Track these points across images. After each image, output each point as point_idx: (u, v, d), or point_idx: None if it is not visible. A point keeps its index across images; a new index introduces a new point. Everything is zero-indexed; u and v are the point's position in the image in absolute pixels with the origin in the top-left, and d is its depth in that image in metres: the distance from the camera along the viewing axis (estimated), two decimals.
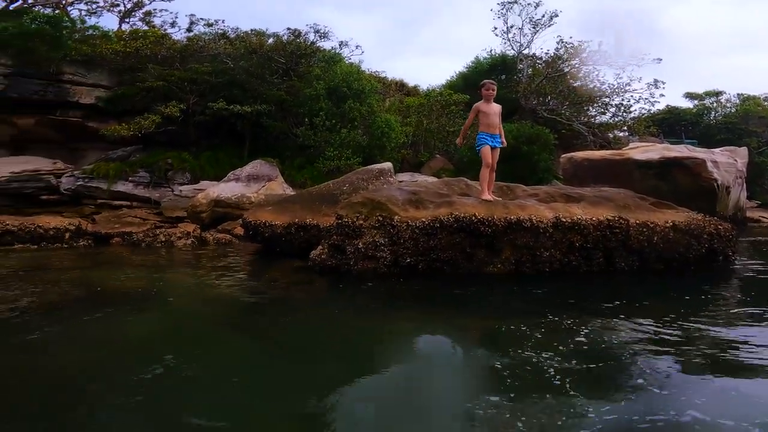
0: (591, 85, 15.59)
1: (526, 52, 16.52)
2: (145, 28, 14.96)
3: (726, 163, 9.79)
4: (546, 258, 4.37)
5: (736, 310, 3.35)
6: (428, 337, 2.90)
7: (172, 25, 15.61)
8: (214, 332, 3.14)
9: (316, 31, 13.80)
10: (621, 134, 17.19)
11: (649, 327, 2.83)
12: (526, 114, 15.36)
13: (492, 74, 15.35)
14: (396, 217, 4.46)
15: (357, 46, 14.85)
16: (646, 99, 15.71)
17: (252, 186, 10.09)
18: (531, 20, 15.96)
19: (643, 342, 2.58)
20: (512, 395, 1.95)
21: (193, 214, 9.72)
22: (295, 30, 13.69)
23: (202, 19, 14.57)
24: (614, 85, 15.64)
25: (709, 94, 23.46)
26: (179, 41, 13.85)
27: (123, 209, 10.55)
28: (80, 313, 3.49)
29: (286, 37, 13.65)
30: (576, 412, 1.79)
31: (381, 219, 4.46)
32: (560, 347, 2.48)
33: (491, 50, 17.71)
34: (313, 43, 13.77)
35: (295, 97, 12.64)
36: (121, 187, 10.89)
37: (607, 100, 15.90)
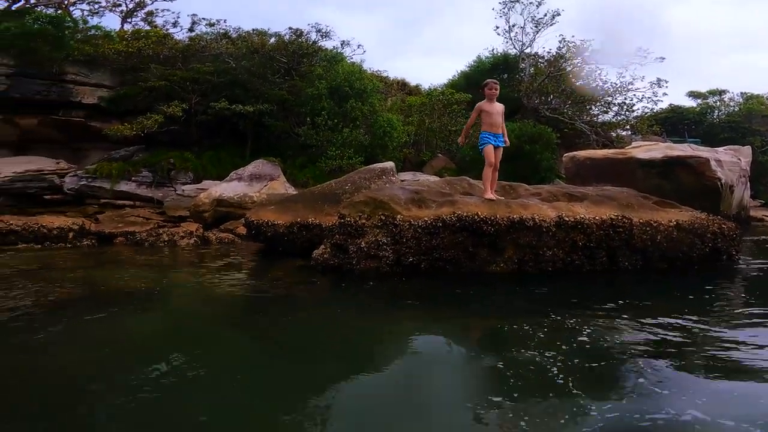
0: (594, 84, 15.54)
1: (528, 51, 16.48)
2: (147, 28, 15.00)
3: (729, 162, 9.74)
4: (549, 257, 4.36)
5: (739, 310, 3.33)
6: (431, 336, 2.90)
7: (174, 24, 15.65)
8: (215, 332, 3.14)
9: (318, 31, 13.81)
10: (624, 133, 17.14)
11: (651, 327, 2.81)
12: (529, 113, 15.33)
13: (494, 73, 15.32)
14: (398, 216, 4.46)
15: (359, 46, 14.88)
16: (649, 98, 15.66)
17: (254, 185, 10.10)
18: (533, 19, 15.93)
19: (646, 341, 2.57)
20: (515, 394, 1.95)
21: (196, 214, 9.74)
22: (297, 29, 13.70)
23: (203, 18, 14.61)
24: (617, 84, 15.60)
25: (712, 92, 23.37)
26: (181, 41, 13.88)
27: (126, 209, 10.58)
28: (83, 313, 3.49)
29: (287, 36, 13.67)
30: (578, 411, 1.79)
31: (383, 218, 4.46)
32: (563, 346, 2.47)
33: (493, 49, 17.69)
34: (314, 42, 13.78)
35: (297, 97, 12.65)
36: (124, 186, 10.92)
37: (609, 99, 15.85)
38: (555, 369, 2.17)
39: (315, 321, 3.37)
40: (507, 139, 5.10)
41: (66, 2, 14.78)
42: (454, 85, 16.84)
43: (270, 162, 10.88)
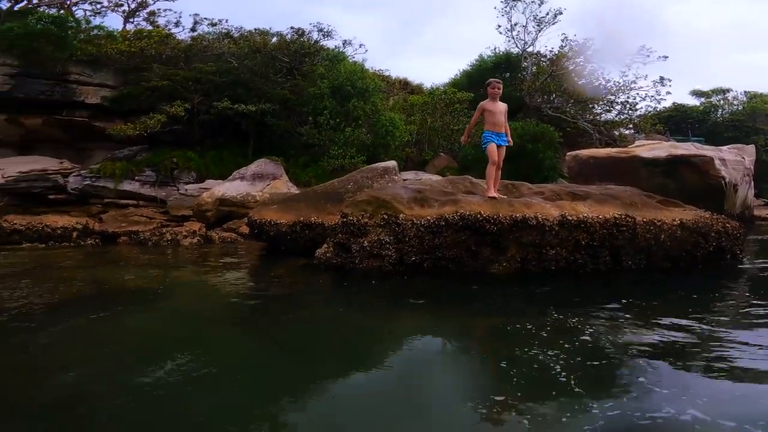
0: (596, 83, 15.50)
1: (530, 49, 16.45)
2: (150, 27, 15.04)
3: (733, 160, 9.70)
4: (552, 256, 4.35)
5: (742, 310, 3.31)
6: (433, 335, 2.89)
7: (176, 24, 15.70)
8: (217, 331, 3.15)
9: (320, 30, 13.82)
10: (627, 132, 17.09)
11: (653, 326, 2.81)
12: (531, 112, 15.30)
13: (496, 72, 15.29)
14: (401, 215, 4.46)
15: (360, 45, 14.89)
16: (652, 97, 15.61)
17: (257, 185, 10.12)
18: (535, 18, 15.89)
19: (648, 341, 2.56)
20: (519, 393, 1.95)
21: (199, 213, 9.77)
22: (299, 29, 13.72)
23: (205, 18, 14.66)
24: (620, 83, 15.55)
25: (716, 91, 23.28)
26: (183, 41, 13.93)
27: (129, 208, 10.63)
28: (85, 312, 3.50)
29: (289, 36, 13.69)
30: (580, 410, 1.80)
31: (386, 217, 4.46)
32: (565, 345, 2.47)
33: (495, 48, 17.66)
34: (316, 42, 13.79)
35: (299, 96, 12.66)
36: (128, 186, 10.96)
37: (612, 97, 15.80)
38: (557, 368, 2.17)
39: (317, 320, 3.37)
40: (510, 138, 5.09)
41: (68, 2, 14.83)
42: (456, 84, 16.83)
43: (272, 161, 10.90)
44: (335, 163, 11.16)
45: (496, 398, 1.92)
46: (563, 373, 2.10)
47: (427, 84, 18.52)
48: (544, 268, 4.36)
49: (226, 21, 14.29)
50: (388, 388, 2.12)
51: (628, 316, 3.03)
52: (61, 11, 13.84)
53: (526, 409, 1.81)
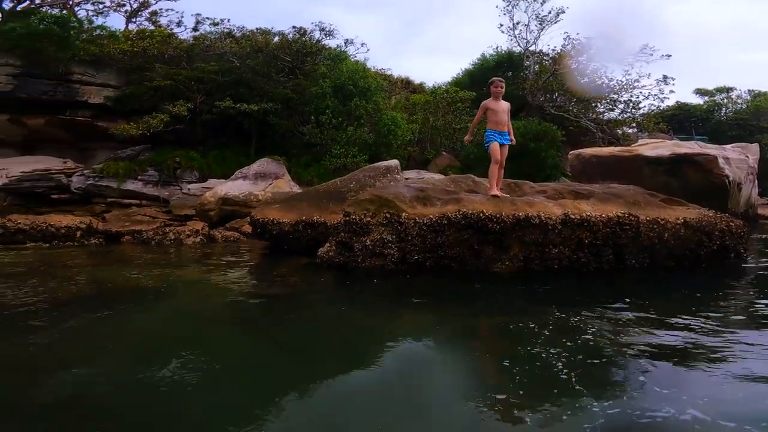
0: (599, 82, 15.44)
1: (532, 48, 16.42)
2: (152, 27, 15.08)
3: (737, 159, 9.66)
4: (555, 255, 4.34)
5: (745, 310, 3.29)
6: (436, 334, 2.89)
7: (178, 24, 15.74)
8: (219, 330, 3.15)
9: (322, 30, 13.82)
10: (630, 131, 17.04)
11: (656, 325, 2.80)
12: (534, 111, 15.27)
13: (498, 71, 15.27)
14: (403, 214, 4.46)
15: (362, 44, 14.88)
16: (655, 95, 15.55)
17: (259, 184, 10.14)
18: (537, 17, 15.86)
19: (650, 340, 2.56)
20: (520, 392, 1.96)
21: (202, 212, 9.80)
22: (301, 28, 13.73)
23: (207, 18, 14.68)
24: (623, 82, 15.49)
25: (719, 90, 23.20)
26: (186, 41, 13.96)
27: (133, 207, 10.66)
28: (87, 311, 3.51)
29: (291, 35, 13.70)
30: (580, 408, 1.80)
31: (388, 216, 4.46)
32: (567, 343, 2.47)
33: (497, 47, 17.65)
34: (318, 41, 13.80)
35: (301, 96, 12.67)
36: (131, 185, 11.00)
37: (615, 96, 15.75)
38: (559, 366, 2.17)
39: (319, 319, 3.37)
40: (513, 137, 5.08)
41: (71, 2, 14.88)
42: (459, 83, 16.82)
43: (275, 160, 10.91)
44: (337, 162, 11.17)
45: (498, 397, 1.92)
46: (565, 372, 2.10)
47: (429, 83, 18.53)
48: (546, 267, 4.36)
49: (228, 21, 14.32)
50: (390, 387, 2.12)
51: (630, 315, 3.02)
52: (64, 11, 13.89)
53: (527, 408, 1.81)
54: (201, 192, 10.50)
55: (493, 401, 1.88)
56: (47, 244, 8.18)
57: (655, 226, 4.46)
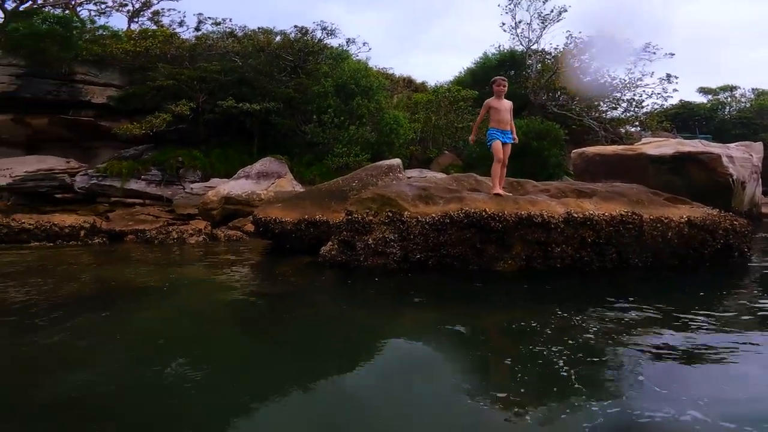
0: (602, 80, 15.38)
1: (534, 47, 16.38)
2: (154, 27, 15.11)
3: (741, 158, 9.61)
4: (557, 254, 4.33)
5: (749, 310, 3.27)
6: (437, 333, 2.89)
7: (181, 24, 15.78)
8: (221, 329, 3.15)
9: (323, 29, 13.83)
10: (633, 129, 16.96)
11: (659, 325, 2.79)
12: (536, 109, 15.23)
13: (500, 70, 15.24)
14: (406, 212, 4.45)
15: (364, 43, 14.91)
16: (658, 94, 15.49)
17: (262, 183, 10.15)
18: (539, 15, 15.82)
19: (652, 339, 2.55)
20: (521, 390, 1.96)
21: (204, 212, 9.82)
22: (303, 27, 13.74)
23: (209, 18, 14.70)
24: (626, 80, 15.43)
25: (723, 88, 23.10)
26: (188, 40, 13.99)
27: (136, 207, 10.70)
28: (89, 311, 3.52)
29: (293, 34, 13.70)
30: (580, 407, 1.80)
31: (391, 215, 4.45)
32: (569, 342, 2.46)
33: (500, 46, 17.65)
34: (320, 40, 13.80)
35: (303, 95, 12.68)
36: (134, 185, 11.03)
37: (618, 95, 15.70)
38: (559, 366, 2.16)
39: (321, 317, 3.37)
40: (515, 136, 5.08)
41: (73, 2, 14.93)
42: (461, 81, 16.79)
43: (277, 160, 10.93)
44: (339, 161, 11.17)
45: (498, 395, 1.91)
46: (565, 372, 2.10)
47: (431, 82, 18.53)
48: (549, 266, 4.35)
49: (230, 20, 14.35)
50: (391, 385, 2.12)
51: (633, 314, 3.01)
52: (66, 11, 13.93)
53: (527, 407, 1.81)
54: (204, 191, 10.52)
55: (494, 400, 1.88)
56: (51, 244, 8.22)
57: (658, 225, 4.44)
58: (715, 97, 23.07)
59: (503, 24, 16.64)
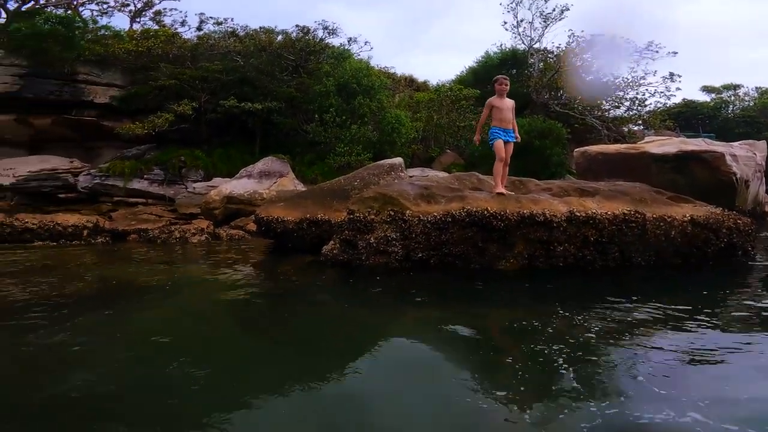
0: (604, 79, 15.32)
1: (536, 46, 16.33)
2: (156, 27, 15.14)
3: (745, 156, 9.55)
4: (560, 252, 4.32)
5: (753, 308, 3.25)
6: (438, 332, 2.88)
7: (182, 24, 15.79)
8: (222, 329, 3.16)
9: (325, 28, 13.83)
10: (636, 128, 16.89)
11: (661, 324, 2.78)
12: (538, 108, 15.20)
13: (502, 69, 15.20)
14: (407, 211, 4.45)
15: (366, 42, 14.87)
16: (661, 93, 15.41)
17: (264, 182, 10.16)
18: (541, 14, 15.78)
19: (654, 339, 2.53)
20: (521, 389, 1.96)
21: (207, 211, 9.84)
22: (304, 27, 13.74)
23: (211, 17, 14.72)
24: (628, 79, 15.37)
25: (726, 87, 23.00)
26: (190, 40, 14.01)
27: (139, 206, 10.73)
28: (91, 310, 3.53)
29: (294, 34, 13.70)
30: (578, 407, 1.79)
31: (392, 214, 4.45)
32: (570, 341, 2.46)
33: (501, 45, 17.59)
34: (321, 39, 13.80)
35: (304, 94, 12.68)
36: (137, 184, 11.06)
37: (621, 93, 15.64)
38: (561, 365, 2.16)
39: (323, 316, 3.37)
40: (517, 135, 5.06)
41: (75, 2, 14.97)
42: (462, 80, 16.76)
43: (279, 159, 10.94)
44: (341, 160, 11.17)
45: (498, 395, 1.91)
46: (566, 371, 2.10)
47: (433, 81, 18.48)
48: (551, 265, 4.33)
49: (232, 20, 14.37)
50: (392, 385, 2.12)
51: (635, 313, 3.00)
52: (68, 11, 13.96)
53: (527, 407, 1.81)
54: (206, 191, 10.54)
55: (494, 400, 1.88)
56: (54, 243, 8.25)
57: (661, 224, 4.42)
58: (719, 95, 22.98)
59: (505, 23, 16.59)
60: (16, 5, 13.47)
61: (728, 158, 8.57)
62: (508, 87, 4.96)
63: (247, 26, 14.26)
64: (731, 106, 22.49)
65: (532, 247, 4.34)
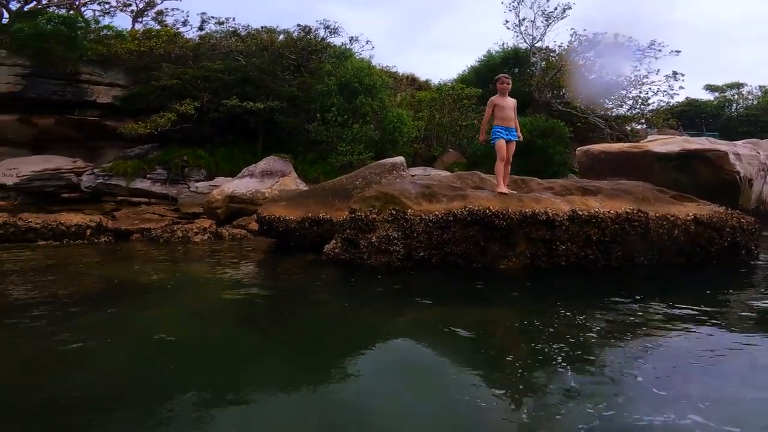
0: (607, 78, 15.25)
1: (539, 45, 16.27)
2: (158, 27, 15.16)
3: (748, 155, 9.50)
4: (562, 252, 4.30)
5: (755, 308, 3.23)
6: (439, 332, 2.87)
7: (184, 23, 15.79)
8: (223, 328, 3.16)
9: (326, 27, 13.81)
10: (639, 127, 16.82)
11: (662, 324, 2.76)
12: (540, 107, 15.15)
13: (504, 68, 15.14)
14: (409, 210, 4.44)
15: (367, 42, 14.86)
16: (664, 91, 15.33)
17: (266, 182, 10.17)
18: (543, 13, 15.70)
19: (655, 339, 2.52)
20: (521, 389, 1.96)
21: (209, 210, 9.85)
22: (306, 26, 13.72)
23: (213, 17, 14.72)
24: (631, 78, 15.29)
25: (730, 86, 22.88)
26: (191, 40, 14.01)
27: (142, 206, 10.75)
28: (93, 309, 3.54)
29: (296, 33, 13.69)
30: (576, 408, 1.79)
31: (394, 213, 4.45)
32: (570, 341, 2.45)
33: (503, 44, 17.50)
34: (323, 39, 13.79)
35: (306, 93, 12.67)
36: (140, 184, 11.08)
37: (624, 92, 15.56)
38: (559, 366, 2.16)
39: (324, 315, 3.38)
40: (520, 134, 5.05)
41: (78, 2, 15.00)
42: (464, 79, 16.72)
43: (281, 158, 10.94)
44: (343, 159, 11.17)
45: (498, 395, 1.91)
46: (565, 371, 2.09)
47: (435, 80, 18.43)
48: (554, 264, 4.32)
49: (233, 19, 14.37)
50: (392, 384, 2.12)
51: (638, 313, 2.99)
52: (71, 11, 14.00)
53: (526, 406, 1.81)
54: (208, 190, 10.55)
55: (493, 400, 1.88)
56: (58, 242, 8.28)
57: (664, 223, 4.40)
58: (722, 94, 22.86)
59: (507, 22, 16.55)
60: (18, 5, 13.52)
61: (732, 157, 8.52)
62: (510, 86, 4.95)
63: (248, 26, 14.27)
64: (735, 104, 22.39)
65: (534, 247, 4.33)
